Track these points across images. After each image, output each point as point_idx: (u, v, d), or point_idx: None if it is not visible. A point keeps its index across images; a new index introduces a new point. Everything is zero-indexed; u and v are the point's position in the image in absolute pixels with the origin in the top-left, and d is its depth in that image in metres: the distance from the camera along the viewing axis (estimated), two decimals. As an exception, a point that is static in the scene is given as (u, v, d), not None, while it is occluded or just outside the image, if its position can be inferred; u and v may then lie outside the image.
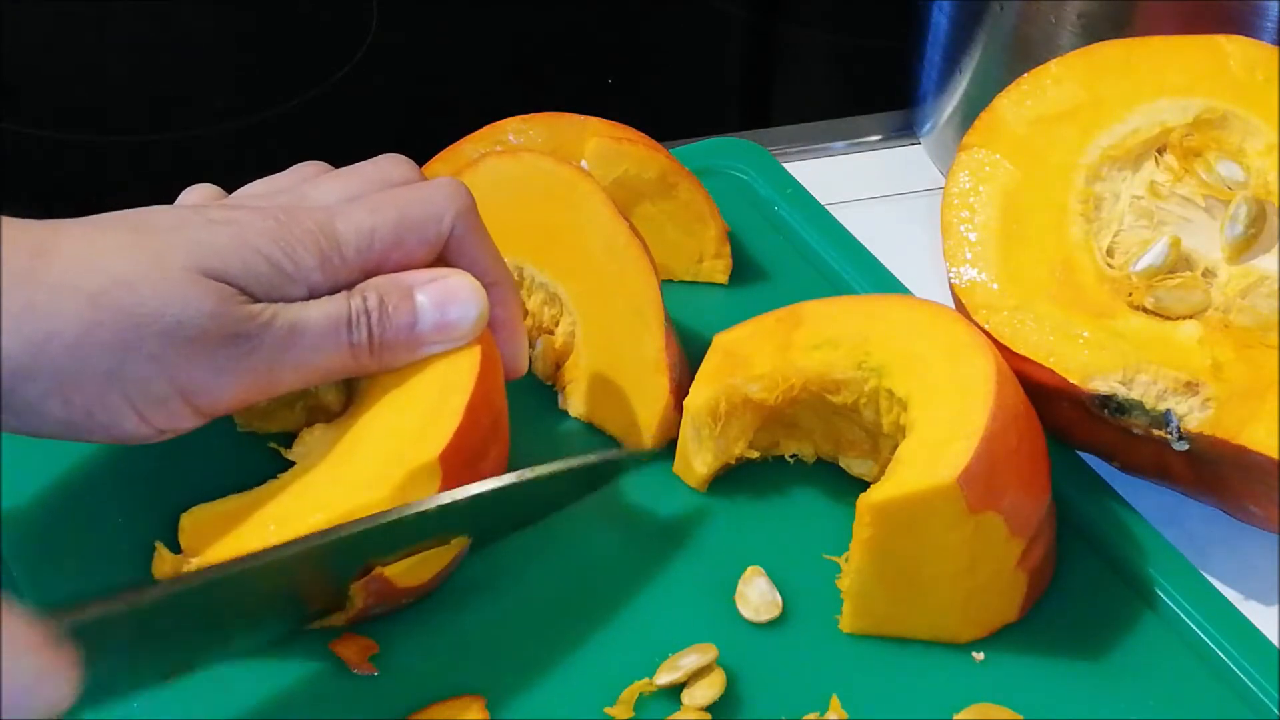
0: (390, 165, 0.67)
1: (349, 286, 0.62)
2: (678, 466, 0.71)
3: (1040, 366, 0.69)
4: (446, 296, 0.63)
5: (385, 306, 0.62)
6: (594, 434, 0.74)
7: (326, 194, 0.64)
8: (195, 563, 0.61)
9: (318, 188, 0.65)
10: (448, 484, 0.61)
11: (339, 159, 0.68)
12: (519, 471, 0.63)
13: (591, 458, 0.67)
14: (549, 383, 0.76)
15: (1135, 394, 0.68)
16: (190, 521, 0.63)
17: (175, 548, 0.63)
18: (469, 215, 0.65)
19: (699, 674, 0.62)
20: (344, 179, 0.66)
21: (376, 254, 0.63)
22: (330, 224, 0.62)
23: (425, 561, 0.62)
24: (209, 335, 0.58)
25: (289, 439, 0.67)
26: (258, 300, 0.60)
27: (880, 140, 0.99)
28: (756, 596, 0.66)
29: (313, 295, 0.62)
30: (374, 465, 0.61)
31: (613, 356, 0.72)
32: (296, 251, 0.61)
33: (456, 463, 0.61)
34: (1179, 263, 0.71)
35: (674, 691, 0.62)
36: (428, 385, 0.63)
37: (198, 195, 0.67)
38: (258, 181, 0.67)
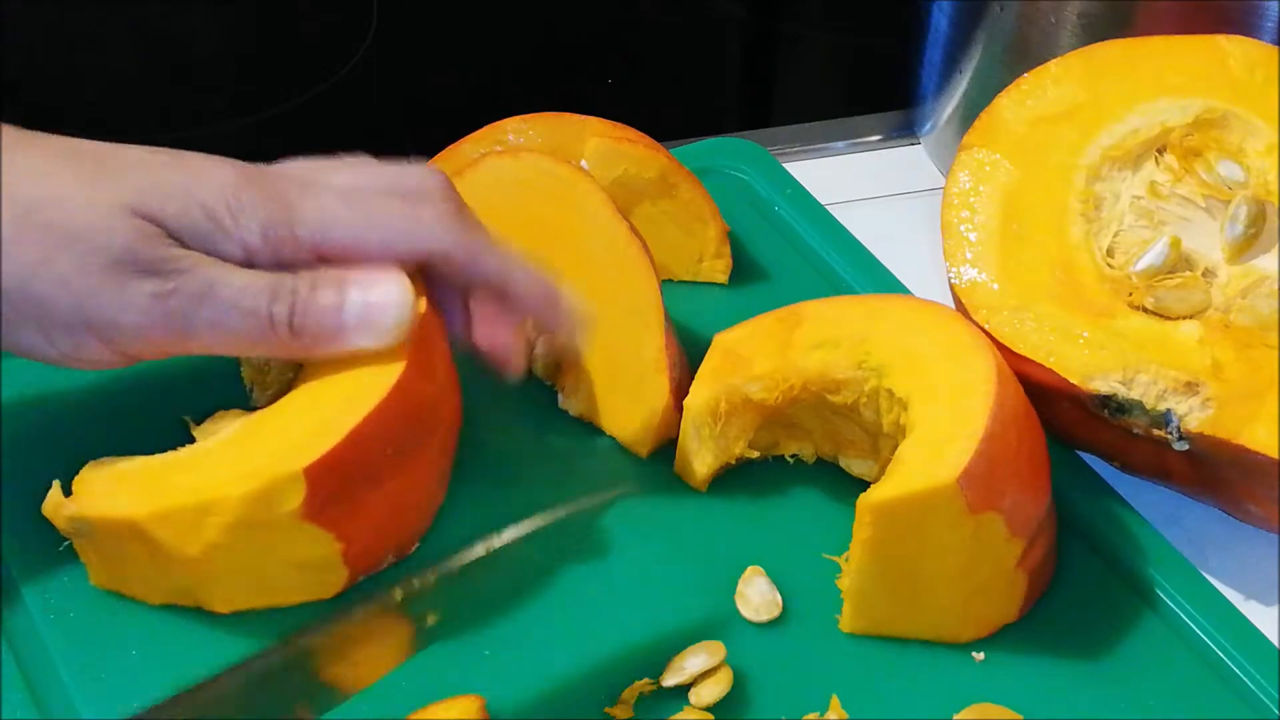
0: (421, 176, 0.66)
1: (293, 267, 0.61)
2: (678, 466, 0.71)
3: (1040, 366, 0.69)
4: (377, 293, 0.61)
5: (314, 289, 0.61)
6: (594, 434, 0.74)
7: (334, 178, 0.64)
8: (74, 508, 0.61)
9: (332, 172, 0.64)
10: (313, 500, 0.60)
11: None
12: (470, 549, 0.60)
13: (561, 511, 0.62)
14: (549, 383, 0.76)
15: (1135, 394, 0.68)
16: (89, 473, 0.63)
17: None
18: (452, 256, 0.63)
19: (706, 673, 0.62)
20: (367, 173, 0.65)
21: (333, 245, 0.61)
22: (293, 198, 0.61)
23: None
24: (122, 267, 0.58)
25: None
26: (187, 249, 0.59)
27: (880, 140, 0.99)
28: (756, 596, 0.66)
29: (252, 262, 0.61)
30: (247, 462, 0.61)
31: (613, 356, 0.72)
32: (244, 211, 0.60)
33: (329, 482, 0.60)
34: (1179, 263, 0.71)
35: (674, 691, 0.62)
36: (334, 395, 0.62)
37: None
38: (304, 159, 0.66)
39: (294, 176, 0.63)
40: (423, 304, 0.63)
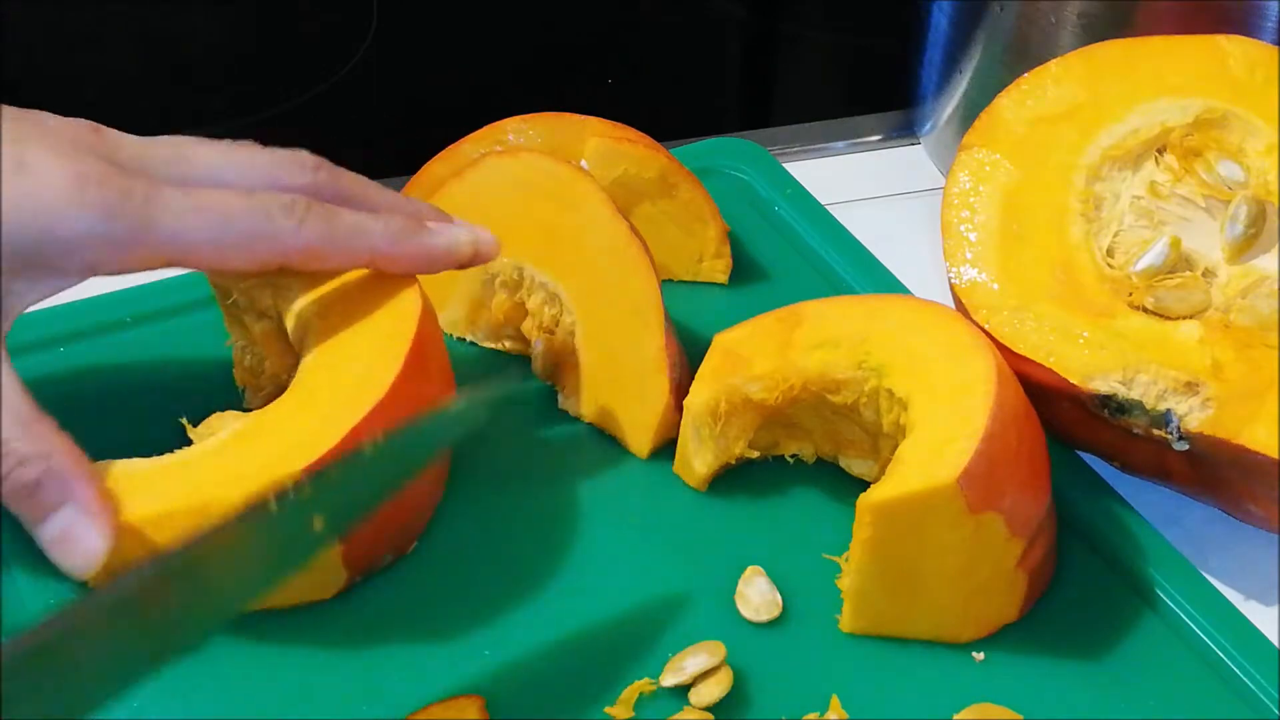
0: (289, 166, 0.65)
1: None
2: (678, 466, 0.71)
3: (1040, 366, 0.69)
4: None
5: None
6: (594, 433, 0.74)
7: (204, 165, 0.62)
8: None
9: (200, 153, 0.63)
10: None
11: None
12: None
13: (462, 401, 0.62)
14: (549, 383, 0.76)
15: (1135, 394, 0.68)
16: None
17: None
18: (307, 252, 0.63)
19: (706, 673, 0.62)
20: (233, 159, 0.64)
21: (187, 248, 0.61)
22: (147, 210, 0.60)
23: None
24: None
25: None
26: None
27: (880, 140, 0.99)
28: (756, 596, 0.66)
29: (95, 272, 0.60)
30: (246, 464, 0.61)
31: (613, 356, 0.72)
32: (80, 239, 0.59)
33: None
34: (1179, 263, 0.71)
35: (674, 691, 0.62)
36: (330, 396, 0.62)
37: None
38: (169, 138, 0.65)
39: (152, 166, 0.62)
40: (419, 304, 0.63)
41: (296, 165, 0.65)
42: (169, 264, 0.61)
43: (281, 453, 0.61)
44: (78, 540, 0.59)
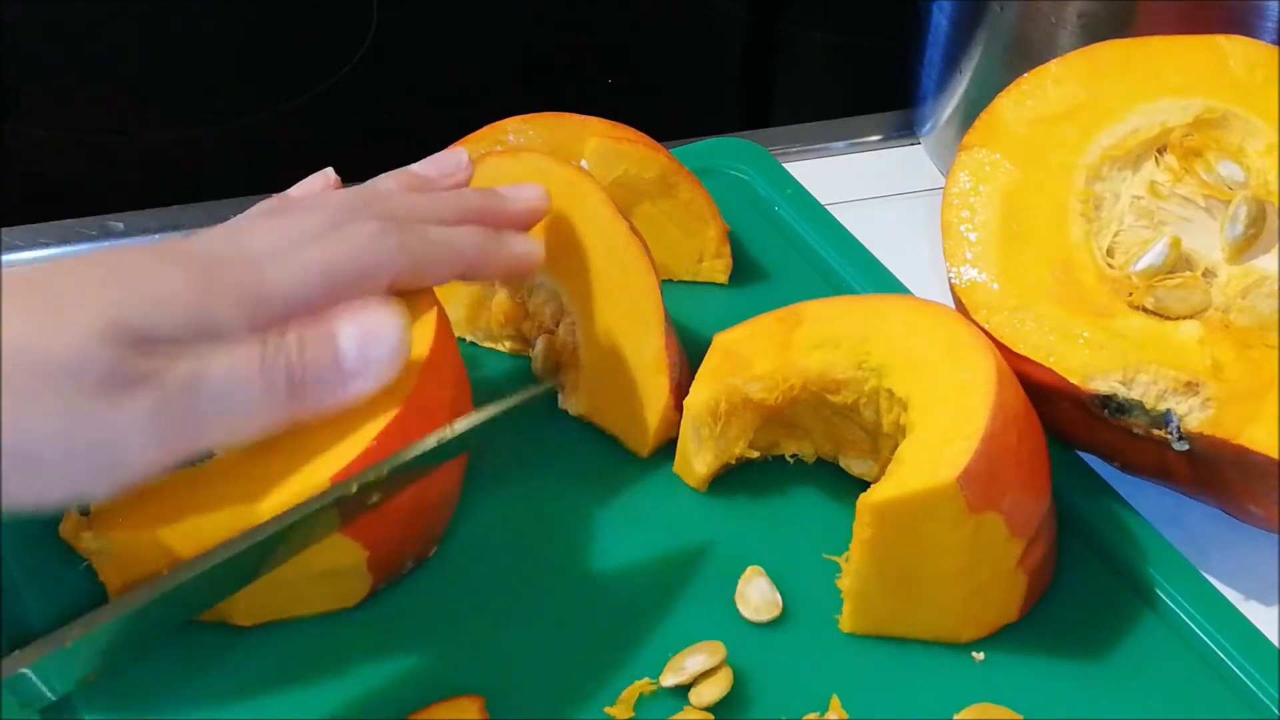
0: (335, 208, 0.63)
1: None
2: (678, 466, 0.71)
3: (1040, 366, 0.69)
4: (368, 332, 0.59)
5: (303, 342, 0.57)
6: (594, 433, 0.74)
7: (265, 240, 0.61)
8: (93, 530, 0.61)
9: (257, 233, 0.61)
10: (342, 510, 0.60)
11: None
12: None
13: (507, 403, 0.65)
14: (549, 383, 0.75)
15: (1135, 394, 0.68)
16: None
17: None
18: (410, 271, 0.63)
19: (706, 673, 0.62)
20: (287, 221, 0.62)
21: (306, 305, 0.59)
22: (259, 282, 0.59)
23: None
24: (109, 388, 0.53)
25: None
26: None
27: (880, 140, 0.99)
28: (756, 596, 0.66)
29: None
30: (270, 475, 0.60)
31: (613, 356, 0.72)
32: (217, 308, 0.57)
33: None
34: (1179, 263, 0.71)
35: (674, 691, 0.62)
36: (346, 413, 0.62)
37: (315, 185, 0.67)
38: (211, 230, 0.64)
39: (237, 250, 0.60)
40: (434, 313, 0.63)
41: (347, 207, 0.63)
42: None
43: (305, 462, 0.60)
44: (375, 330, 0.59)
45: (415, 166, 0.69)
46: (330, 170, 0.69)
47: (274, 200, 0.67)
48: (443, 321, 0.65)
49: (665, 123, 0.89)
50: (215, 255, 0.60)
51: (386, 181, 0.68)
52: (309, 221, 0.62)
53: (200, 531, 0.60)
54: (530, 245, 0.68)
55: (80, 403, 0.53)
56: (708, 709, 0.61)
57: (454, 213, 0.66)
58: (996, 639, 0.65)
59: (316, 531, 0.60)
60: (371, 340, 0.59)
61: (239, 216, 0.66)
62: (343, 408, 0.59)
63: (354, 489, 0.59)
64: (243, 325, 0.57)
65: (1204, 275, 0.71)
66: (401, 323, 0.59)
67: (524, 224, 0.69)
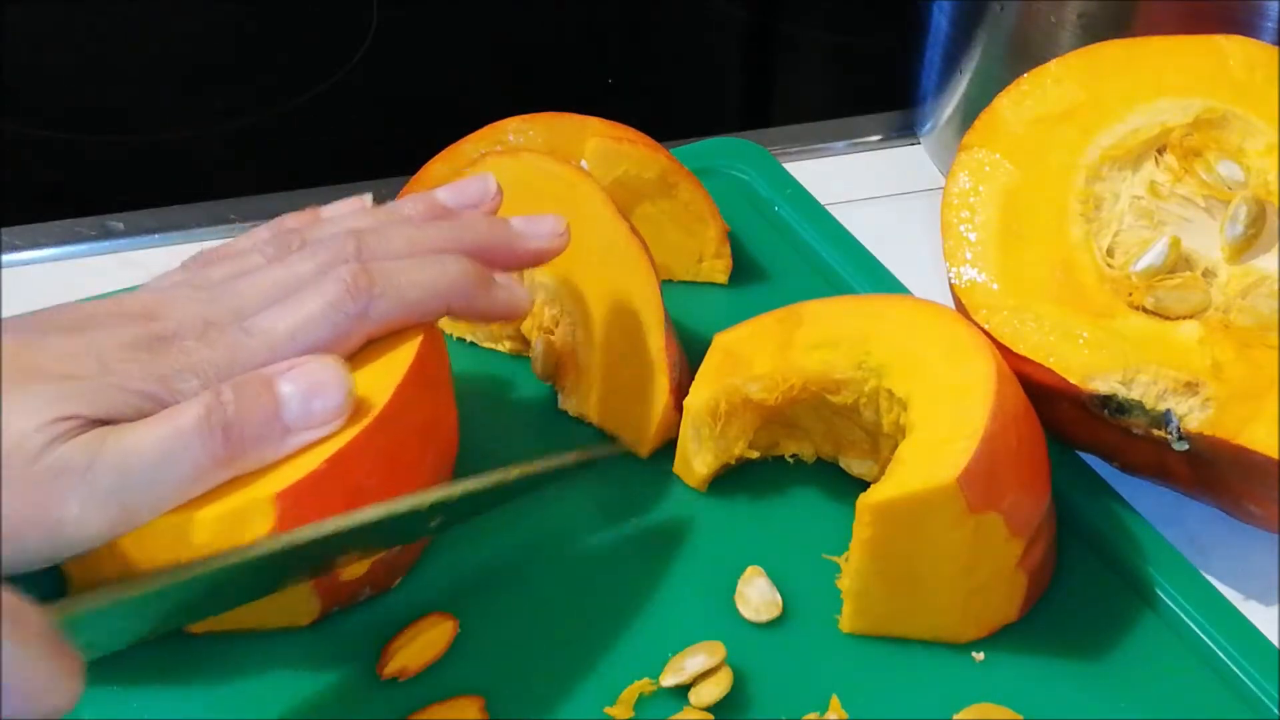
0: (322, 262, 0.62)
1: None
2: (678, 466, 0.71)
3: (1040, 366, 0.69)
4: (311, 384, 0.58)
5: (240, 397, 0.57)
6: (594, 433, 0.74)
7: (252, 298, 0.61)
8: None
9: (242, 290, 0.61)
10: (284, 525, 0.58)
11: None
12: (462, 481, 0.62)
13: (567, 458, 0.66)
14: (549, 383, 0.76)
15: (1135, 394, 0.68)
16: None
17: None
18: (383, 328, 0.62)
19: (706, 673, 0.62)
20: (268, 276, 0.62)
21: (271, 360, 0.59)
22: (230, 359, 0.59)
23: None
24: (57, 477, 0.54)
25: None
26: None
27: (880, 140, 0.99)
28: (756, 596, 0.66)
29: None
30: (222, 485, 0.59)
31: (613, 356, 0.72)
32: (175, 382, 0.57)
33: (302, 509, 0.58)
34: (1179, 263, 0.71)
35: (674, 691, 0.62)
36: None
37: (346, 208, 0.67)
38: (197, 267, 0.64)
39: (214, 311, 0.60)
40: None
41: (335, 256, 0.63)
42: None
43: (259, 476, 0.59)
44: (317, 383, 0.58)
45: (440, 192, 0.68)
46: (368, 196, 0.68)
47: (267, 230, 0.66)
48: (427, 345, 0.63)
49: (665, 123, 0.89)
50: (187, 326, 0.59)
51: (411, 206, 0.67)
52: (291, 274, 0.61)
53: (154, 539, 0.58)
54: (516, 294, 0.65)
55: (18, 486, 0.53)
56: (708, 709, 0.61)
57: (455, 244, 0.65)
58: (996, 639, 0.65)
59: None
60: (314, 392, 0.59)
61: (237, 240, 0.65)
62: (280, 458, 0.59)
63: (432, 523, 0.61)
64: (197, 389, 0.58)
65: (1204, 275, 0.71)
66: (345, 374, 0.59)
67: (531, 265, 0.68)
